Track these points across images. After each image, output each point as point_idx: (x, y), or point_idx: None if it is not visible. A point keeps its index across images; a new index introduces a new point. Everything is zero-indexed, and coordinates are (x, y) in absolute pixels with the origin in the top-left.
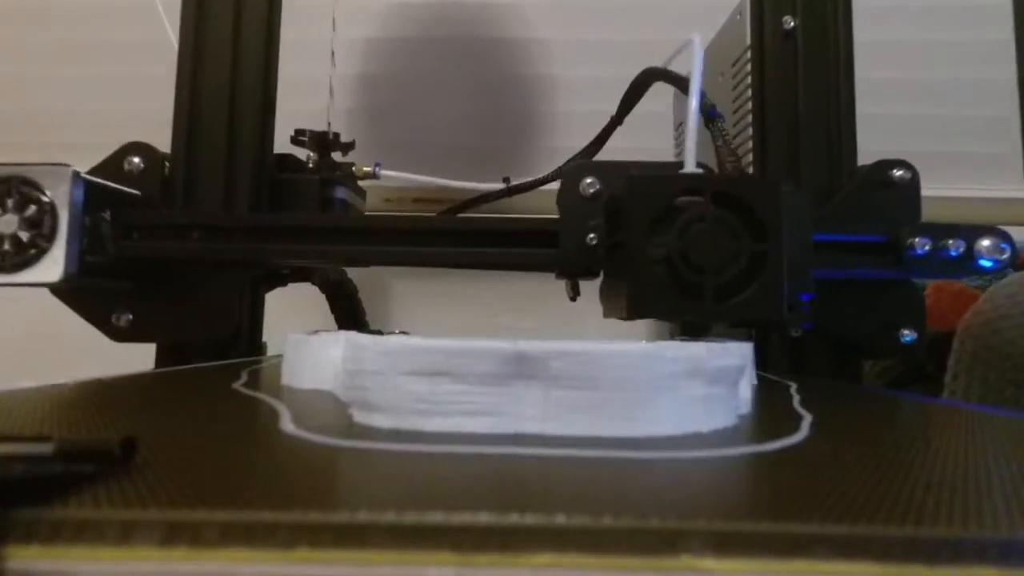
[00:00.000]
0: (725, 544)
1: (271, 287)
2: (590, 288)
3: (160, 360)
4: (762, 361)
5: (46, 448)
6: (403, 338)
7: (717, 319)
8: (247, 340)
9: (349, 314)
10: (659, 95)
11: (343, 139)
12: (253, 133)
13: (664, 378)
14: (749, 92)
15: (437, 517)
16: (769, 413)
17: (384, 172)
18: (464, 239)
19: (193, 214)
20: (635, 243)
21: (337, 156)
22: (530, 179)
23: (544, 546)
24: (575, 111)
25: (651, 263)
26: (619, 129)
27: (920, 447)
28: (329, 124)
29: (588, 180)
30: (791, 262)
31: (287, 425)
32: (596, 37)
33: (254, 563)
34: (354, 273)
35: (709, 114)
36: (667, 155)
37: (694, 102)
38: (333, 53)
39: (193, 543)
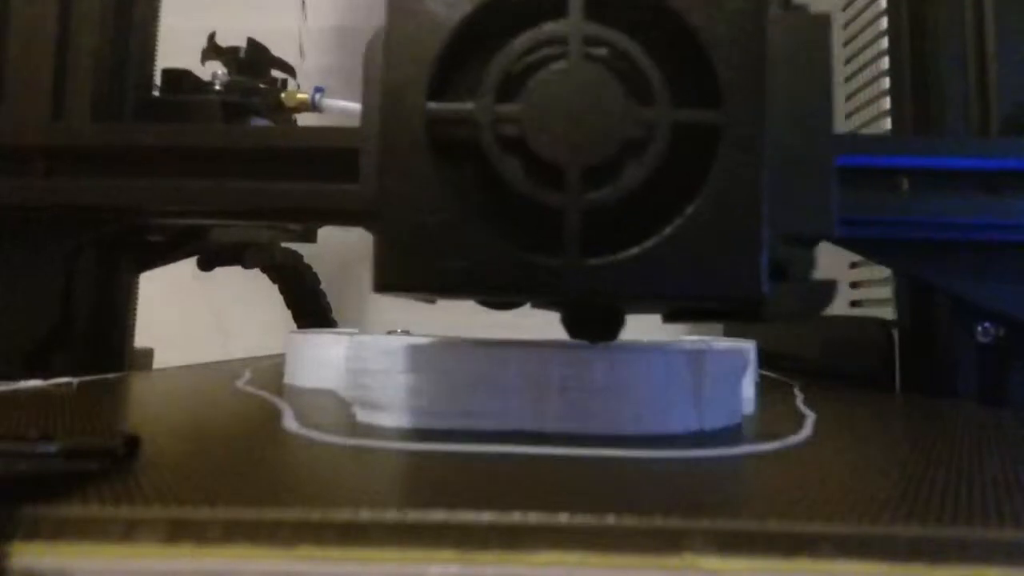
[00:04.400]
0: (728, 543)
1: (143, 264)
2: None
3: None
4: (923, 380)
5: (50, 446)
6: (405, 337)
7: (591, 291)
8: (92, 342)
9: (308, 310)
10: None
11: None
12: (101, 25)
13: (667, 377)
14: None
15: (440, 515)
16: (772, 412)
17: (330, 102)
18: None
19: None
20: (399, 112)
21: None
22: None
23: (547, 544)
24: None
25: (430, 154)
26: None
27: (924, 446)
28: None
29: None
30: (781, 167)
31: (290, 423)
32: None
33: (257, 561)
34: (321, 264)
35: None
36: None
37: None
38: (304, 4)
39: (196, 541)
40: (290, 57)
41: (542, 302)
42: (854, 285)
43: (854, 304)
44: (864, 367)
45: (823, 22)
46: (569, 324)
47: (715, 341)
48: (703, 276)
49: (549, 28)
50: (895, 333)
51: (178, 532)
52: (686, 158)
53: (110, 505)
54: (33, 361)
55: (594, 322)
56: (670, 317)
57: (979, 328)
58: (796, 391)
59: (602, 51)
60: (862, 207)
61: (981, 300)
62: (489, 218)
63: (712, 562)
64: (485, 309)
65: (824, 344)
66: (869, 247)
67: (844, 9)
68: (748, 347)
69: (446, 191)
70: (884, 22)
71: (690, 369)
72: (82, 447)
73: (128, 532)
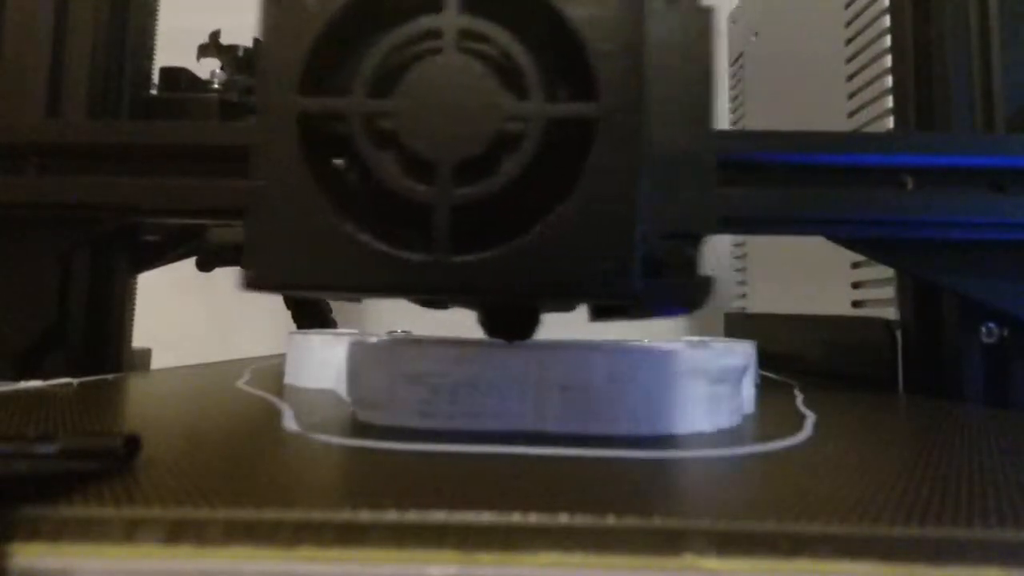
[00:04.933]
0: (728, 543)
1: (139, 264)
2: None
3: None
4: (926, 380)
5: (50, 447)
6: (406, 337)
7: (463, 288)
8: (87, 343)
9: (309, 311)
10: None
11: None
12: (97, 22)
13: (667, 377)
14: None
15: (440, 516)
16: (772, 413)
17: None
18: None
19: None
20: (272, 106)
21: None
22: None
23: (547, 545)
24: None
25: (301, 150)
26: None
27: (924, 446)
28: None
29: None
30: (660, 162)
31: (290, 424)
32: None
33: (257, 561)
34: None
35: None
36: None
37: None
38: None
39: (196, 541)
40: None
41: (417, 298)
42: (856, 285)
43: (856, 304)
44: (866, 368)
45: (706, 15)
46: (485, 324)
47: (715, 341)
48: (574, 274)
49: (425, 22)
50: (898, 334)
51: (178, 532)
52: (564, 154)
53: (110, 505)
54: (27, 361)
55: (510, 321)
56: (597, 315)
57: (983, 328)
58: (796, 391)
59: (482, 46)
60: (865, 206)
61: (985, 299)
62: (362, 215)
63: (712, 562)
64: None
65: (826, 345)
66: (872, 247)
67: (847, 7)
68: (748, 347)
69: (318, 188)
70: (887, 19)
71: (690, 369)
72: (82, 447)
73: (128, 532)
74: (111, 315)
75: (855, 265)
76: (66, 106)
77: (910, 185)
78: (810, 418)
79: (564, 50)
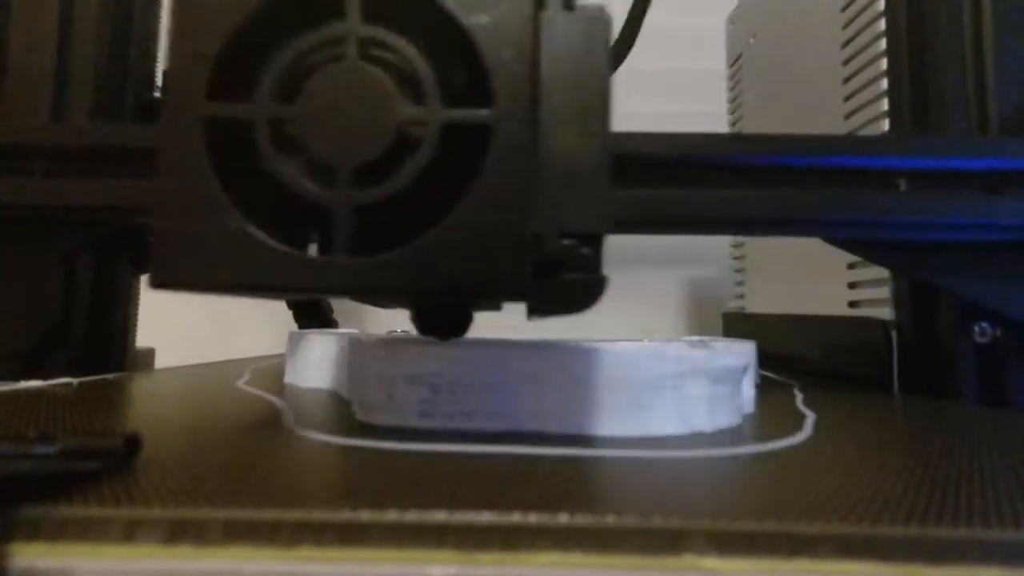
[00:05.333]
0: (728, 543)
1: (142, 265)
2: None
3: None
4: (921, 380)
5: (50, 447)
6: (406, 337)
7: (361, 288)
8: (91, 343)
9: (309, 310)
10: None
11: None
12: (101, 26)
13: (667, 377)
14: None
15: (440, 516)
16: (772, 413)
17: None
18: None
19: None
20: (178, 110)
21: None
22: None
23: (547, 545)
24: None
25: (207, 155)
26: (652, 89)
27: (924, 446)
28: None
29: None
30: (557, 155)
31: (289, 423)
32: None
33: (257, 561)
34: None
35: None
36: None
37: None
38: None
39: (196, 541)
40: None
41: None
42: (852, 286)
43: (852, 305)
44: (862, 367)
45: (601, 22)
46: (416, 322)
47: (715, 341)
48: (468, 275)
49: (328, 30)
50: (893, 334)
51: (178, 532)
52: (463, 159)
53: (110, 505)
54: (30, 361)
55: (440, 320)
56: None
57: (976, 328)
58: (796, 391)
59: (384, 53)
60: (860, 208)
61: (978, 299)
62: (267, 217)
63: (712, 562)
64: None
65: (823, 345)
66: (867, 248)
67: (843, 10)
68: (749, 347)
69: (223, 190)
70: (882, 23)
71: (690, 369)
72: (82, 447)
73: (128, 532)
74: (114, 315)
75: (851, 266)
76: (71, 109)
77: (903, 187)
78: (810, 418)
79: (463, 58)
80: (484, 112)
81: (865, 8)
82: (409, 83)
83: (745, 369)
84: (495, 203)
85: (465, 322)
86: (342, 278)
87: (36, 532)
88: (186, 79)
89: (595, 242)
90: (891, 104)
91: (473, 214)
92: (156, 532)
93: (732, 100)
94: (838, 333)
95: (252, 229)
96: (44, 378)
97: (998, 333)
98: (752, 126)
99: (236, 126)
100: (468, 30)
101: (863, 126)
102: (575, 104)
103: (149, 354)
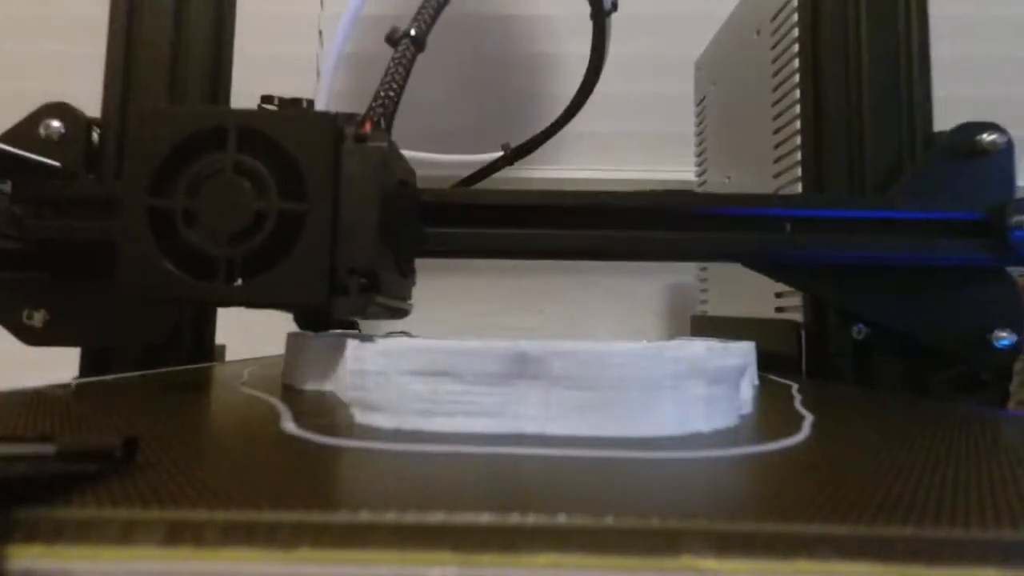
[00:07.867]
0: (726, 544)
1: None
2: (593, 286)
3: (85, 367)
4: (819, 368)
5: (48, 448)
6: (405, 339)
7: (234, 302)
8: (192, 343)
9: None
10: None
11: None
12: (201, 96)
13: (665, 378)
14: (796, 48)
15: (439, 517)
16: (770, 413)
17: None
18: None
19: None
20: (132, 198)
21: None
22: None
23: (545, 546)
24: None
25: (148, 225)
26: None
27: (922, 447)
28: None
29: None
30: (347, 227)
31: (289, 425)
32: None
33: (256, 563)
34: None
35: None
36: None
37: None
38: (321, 32)
39: (194, 543)
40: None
41: (215, 304)
42: (778, 295)
43: (778, 310)
44: (782, 359)
45: (378, 153)
46: (297, 320)
47: (714, 341)
48: (296, 294)
49: (217, 156)
50: (802, 333)
51: (176, 534)
52: (292, 227)
53: (108, 507)
54: (150, 358)
55: (311, 320)
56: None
57: (854, 328)
58: (794, 392)
59: (248, 166)
60: (759, 244)
61: (852, 308)
62: (180, 260)
63: (711, 563)
64: (485, 312)
65: (759, 340)
66: (769, 270)
67: (774, 76)
68: (748, 347)
69: (155, 242)
70: (798, 93)
71: (690, 370)
72: (80, 448)
73: (126, 533)
74: (207, 318)
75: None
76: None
77: (788, 228)
78: (808, 418)
79: (293, 171)
80: (301, 205)
81: (787, 74)
82: (260, 185)
83: (743, 370)
84: (310, 253)
85: (326, 320)
86: (223, 295)
87: (34, 533)
88: (136, 182)
89: (372, 275)
90: (802, 164)
91: (298, 258)
92: (154, 533)
93: (698, 134)
94: (766, 332)
95: (169, 265)
96: (164, 365)
97: (868, 331)
98: (712, 163)
99: (165, 210)
100: (295, 156)
101: (787, 184)
102: (359, 198)
103: (222, 349)
